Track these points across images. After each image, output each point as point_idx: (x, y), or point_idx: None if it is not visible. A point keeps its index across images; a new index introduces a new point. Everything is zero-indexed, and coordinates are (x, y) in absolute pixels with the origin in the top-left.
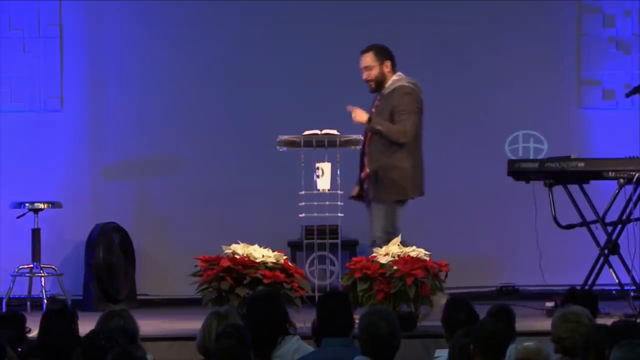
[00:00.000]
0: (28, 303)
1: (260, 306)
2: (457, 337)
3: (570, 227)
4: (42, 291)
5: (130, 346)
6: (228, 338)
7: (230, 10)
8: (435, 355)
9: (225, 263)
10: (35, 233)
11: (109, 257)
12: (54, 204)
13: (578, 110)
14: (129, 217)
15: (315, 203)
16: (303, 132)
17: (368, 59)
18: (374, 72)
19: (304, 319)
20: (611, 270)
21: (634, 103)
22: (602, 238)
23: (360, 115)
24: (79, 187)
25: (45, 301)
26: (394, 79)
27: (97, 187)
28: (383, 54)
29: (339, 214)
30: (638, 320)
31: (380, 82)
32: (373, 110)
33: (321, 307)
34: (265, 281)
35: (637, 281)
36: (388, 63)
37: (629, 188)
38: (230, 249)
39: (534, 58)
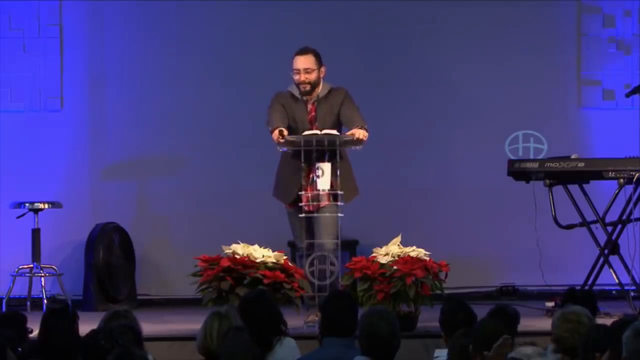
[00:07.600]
0: (28, 303)
1: (251, 308)
2: (457, 337)
3: (570, 227)
4: (42, 291)
5: (132, 346)
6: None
7: (230, 10)
8: (435, 355)
9: (225, 263)
10: (35, 233)
11: (109, 257)
12: (54, 204)
13: (578, 110)
14: (129, 217)
15: (315, 203)
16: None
17: (310, 61)
18: (313, 76)
19: (304, 319)
20: (611, 270)
21: (634, 103)
22: (602, 238)
23: (362, 134)
24: (79, 187)
25: (45, 301)
26: (323, 84)
27: (97, 187)
28: (320, 59)
29: (339, 214)
30: None
31: (314, 87)
32: (312, 114)
33: (326, 306)
34: (266, 281)
35: (637, 281)
36: (323, 69)
37: (629, 188)
38: (230, 249)
39: (534, 58)
